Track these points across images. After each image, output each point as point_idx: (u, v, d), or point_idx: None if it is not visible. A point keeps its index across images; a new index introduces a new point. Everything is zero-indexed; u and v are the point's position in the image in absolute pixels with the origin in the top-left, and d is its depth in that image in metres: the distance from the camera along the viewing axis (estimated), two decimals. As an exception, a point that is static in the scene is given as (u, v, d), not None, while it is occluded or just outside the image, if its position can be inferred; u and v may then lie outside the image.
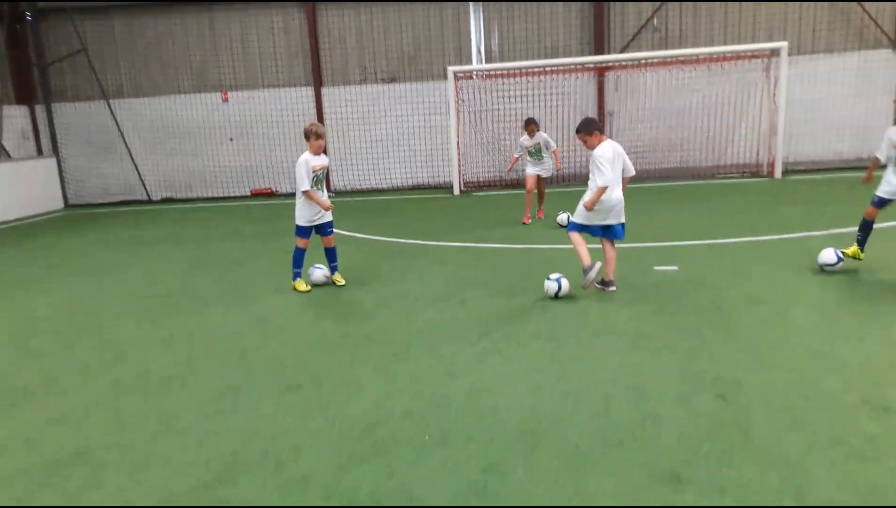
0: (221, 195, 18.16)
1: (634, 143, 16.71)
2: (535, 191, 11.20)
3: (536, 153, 11.01)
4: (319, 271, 7.60)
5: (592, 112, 17.01)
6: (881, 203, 6.86)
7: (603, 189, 6.31)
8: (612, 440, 3.69)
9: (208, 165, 18.15)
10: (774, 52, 14.63)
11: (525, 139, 11.02)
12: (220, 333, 6.14)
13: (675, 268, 7.38)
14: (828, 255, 6.90)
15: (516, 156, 11.54)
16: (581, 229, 6.62)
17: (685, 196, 13.13)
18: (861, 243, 7.02)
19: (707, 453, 3.50)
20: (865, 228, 6.97)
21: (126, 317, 6.85)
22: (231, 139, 17.94)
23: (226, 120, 17.89)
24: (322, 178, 7.28)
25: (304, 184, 7.08)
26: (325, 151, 7.31)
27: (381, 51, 17.43)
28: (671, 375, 4.54)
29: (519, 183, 14.58)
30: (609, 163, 6.35)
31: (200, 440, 3.99)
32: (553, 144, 11.06)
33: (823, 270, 6.92)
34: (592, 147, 6.50)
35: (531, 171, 11.10)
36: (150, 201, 18.19)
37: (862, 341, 4.97)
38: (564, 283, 6.47)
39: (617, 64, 16.28)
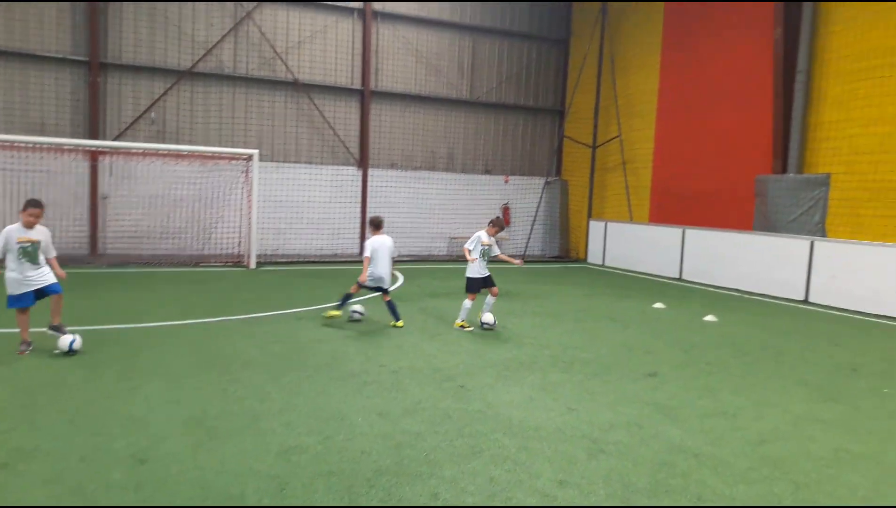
0: None
1: (129, 228, 16.87)
2: None
3: None
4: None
5: (85, 194, 16.70)
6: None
7: None
8: None
9: None
10: (251, 157, 16.42)
11: None
12: None
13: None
14: None
15: None
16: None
17: (156, 282, 13.49)
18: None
19: None
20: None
21: None
22: None
23: None
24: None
25: None
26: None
27: None
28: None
29: None
30: None
31: None
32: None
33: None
34: None
35: None
36: None
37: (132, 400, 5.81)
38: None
39: (111, 150, 16.34)
